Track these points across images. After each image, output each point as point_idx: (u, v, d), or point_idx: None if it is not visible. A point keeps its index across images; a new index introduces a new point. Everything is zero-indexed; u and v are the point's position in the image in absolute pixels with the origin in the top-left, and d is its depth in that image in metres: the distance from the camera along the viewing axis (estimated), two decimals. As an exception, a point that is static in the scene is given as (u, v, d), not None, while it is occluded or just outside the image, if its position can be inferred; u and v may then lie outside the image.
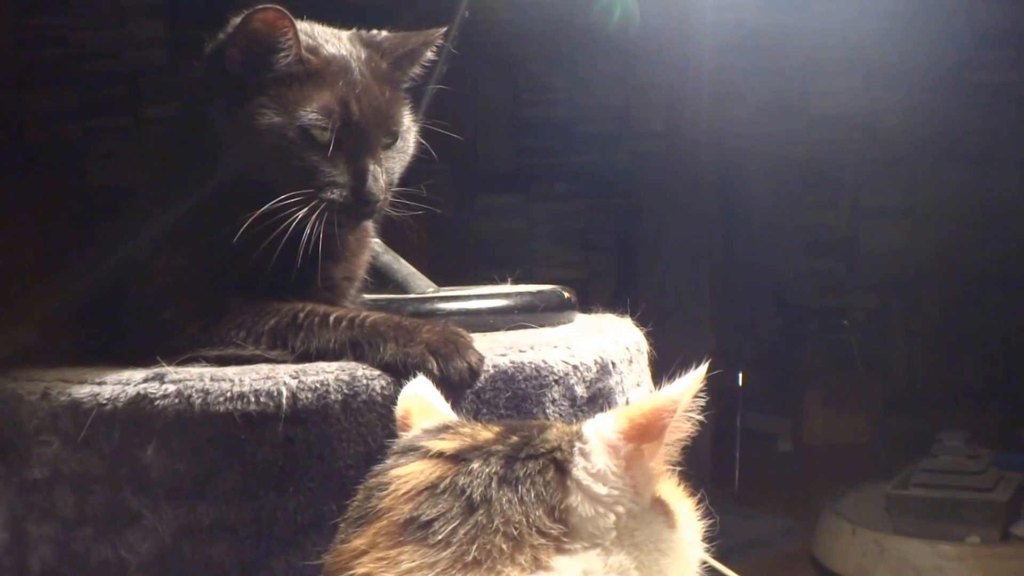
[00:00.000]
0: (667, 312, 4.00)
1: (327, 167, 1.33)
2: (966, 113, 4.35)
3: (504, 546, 0.81)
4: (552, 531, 0.83)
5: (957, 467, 3.30)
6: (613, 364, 1.48)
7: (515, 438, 0.90)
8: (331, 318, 1.32)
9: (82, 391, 1.26)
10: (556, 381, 1.37)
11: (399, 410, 1.03)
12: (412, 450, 0.92)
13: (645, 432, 0.86)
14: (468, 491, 0.85)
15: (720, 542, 0.98)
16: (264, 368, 1.27)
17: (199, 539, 1.23)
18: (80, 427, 1.25)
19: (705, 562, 0.97)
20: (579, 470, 0.85)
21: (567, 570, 0.82)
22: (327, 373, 1.25)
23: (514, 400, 1.33)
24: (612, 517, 0.85)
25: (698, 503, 0.97)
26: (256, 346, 1.31)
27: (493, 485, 0.85)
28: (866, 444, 4.23)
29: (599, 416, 0.90)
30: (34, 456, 1.29)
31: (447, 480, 0.86)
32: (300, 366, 1.27)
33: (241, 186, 1.33)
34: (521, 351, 1.38)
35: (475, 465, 0.87)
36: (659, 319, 1.72)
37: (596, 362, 1.44)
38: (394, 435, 1.21)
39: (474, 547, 0.81)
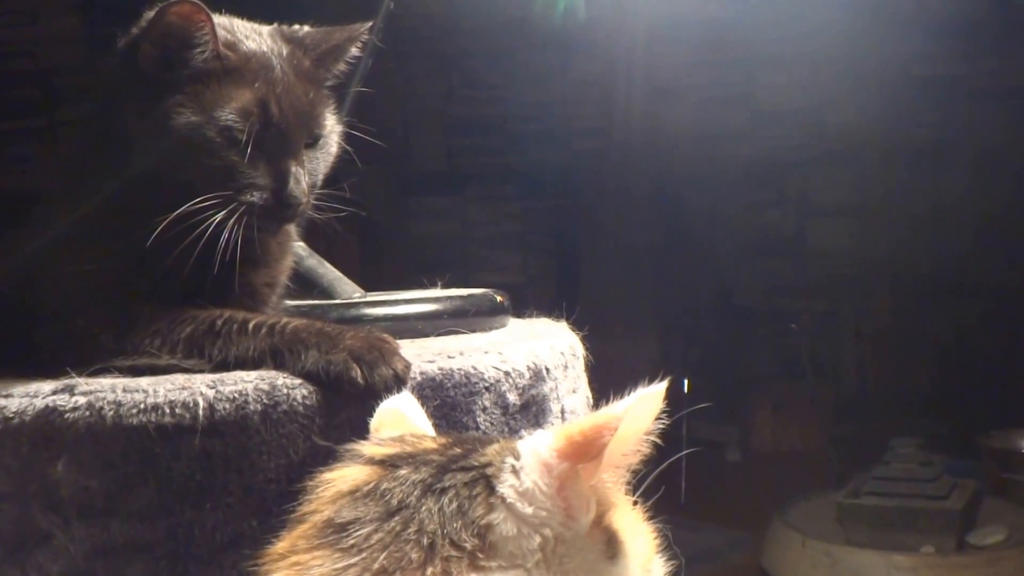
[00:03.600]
0: (608, 316, 3.98)
1: (246, 169, 1.30)
2: (915, 107, 4.35)
3: (414, 555, 0.78)
4: (467, 545, 0.79)
5: (910, 475, 3.28)
6: (547, 370, 1.45)
7: (457, 450, 0.87)
8: (250, 325, 1.28)
9: (-13, 405, 1.20)
10: (487, 388, 1.34)
11: (373, 423, 1.01)
12: (353, 455, 0.90)
13: (582, 451, 0.81)
14: (388, 496, 0.82)
15: (667, 556, 0.95)
16: (180, 378, 1.22)
17: (113, 559, 1.18)
18: (-14, 443, 1.19)
19: None
20: (505, 487, 0.82)
21: None
22: (246, 382, 1.21)
23: (443, 408, 1.30)
24: (537, 539, 0.81)
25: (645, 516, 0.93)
26: (171, 355, 1.26)
27: (415, 493, 0.82)
28: (816, 452, 4.21)
29: (538, 433, 0.87)
30: (-63, 475, 1.23)
31: (371, 484, 0.84)
32: (217, 375, 1.23)
33: (156, 188, 1.29)
34: (450, 357, 1.35)
35: (403, 471, 0.84)
36: (599, 324, 1.69)
37: (529, 368, 1.41)
38: (316, 447, 1.19)
39: (383, 555, 0.78)
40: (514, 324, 1.69)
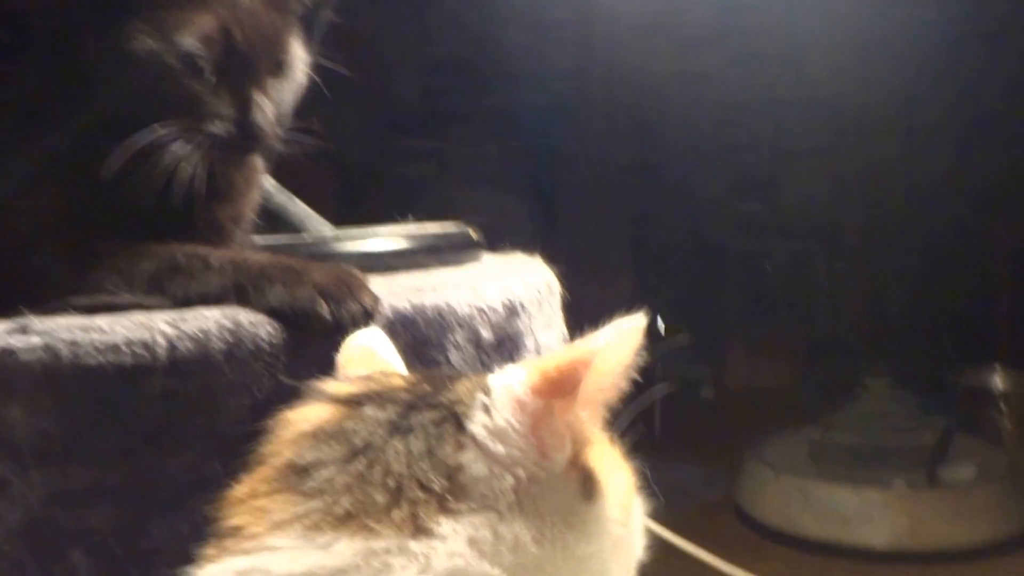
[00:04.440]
0: (585, 256, 3.96)
1: (209, 97, 1.25)
2: (890, 46, 4.29)
3: (379, 498, 0.74)
4: (435, 487, 0.74)
5: (882, 411, 3.31)
6: (522, 305, 1.42)
7: (426, 387, 0.83)
8: (213, 260, 1.24)
9: (-63, 347, 1.16)
10: (460, 324, 1.31)
11: (340, 360, 0.97)
12: (316, 394, 0.85)
13: (557, 387, 0.77)
14: (352, 436, 0.78)
15: (644, 493, 0.91)
16: (139, 316, 1.17)
17: (72, 505, 1.14)
18: (-64, 387, 1.14)
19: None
20: (476, 425, 0.77)
21: (450, 533, 0.73)
22: (208, 320, 1.16)
23: (414, 345, 1.26)
24: (510, 480, 0.76)
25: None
26: (131, 292, 1.21)
27: (381, 432, 0.77)
28: (789, 389, 4.23)
29: (510, 367, 0.82)
30: None
31: (334, 424, 0.79)
32: (179, 313, 1.18)
33: (113, 118, 1.23)
34: (422, 292, 1.31)
35: (368, 410, 0.80)
36: (576, 264, 1.66)
37: (503, 304, 1.38)
38: (282, 386, 1.15)
39: (346, 498, 0.74)
40: (488, 259, 1.67)
